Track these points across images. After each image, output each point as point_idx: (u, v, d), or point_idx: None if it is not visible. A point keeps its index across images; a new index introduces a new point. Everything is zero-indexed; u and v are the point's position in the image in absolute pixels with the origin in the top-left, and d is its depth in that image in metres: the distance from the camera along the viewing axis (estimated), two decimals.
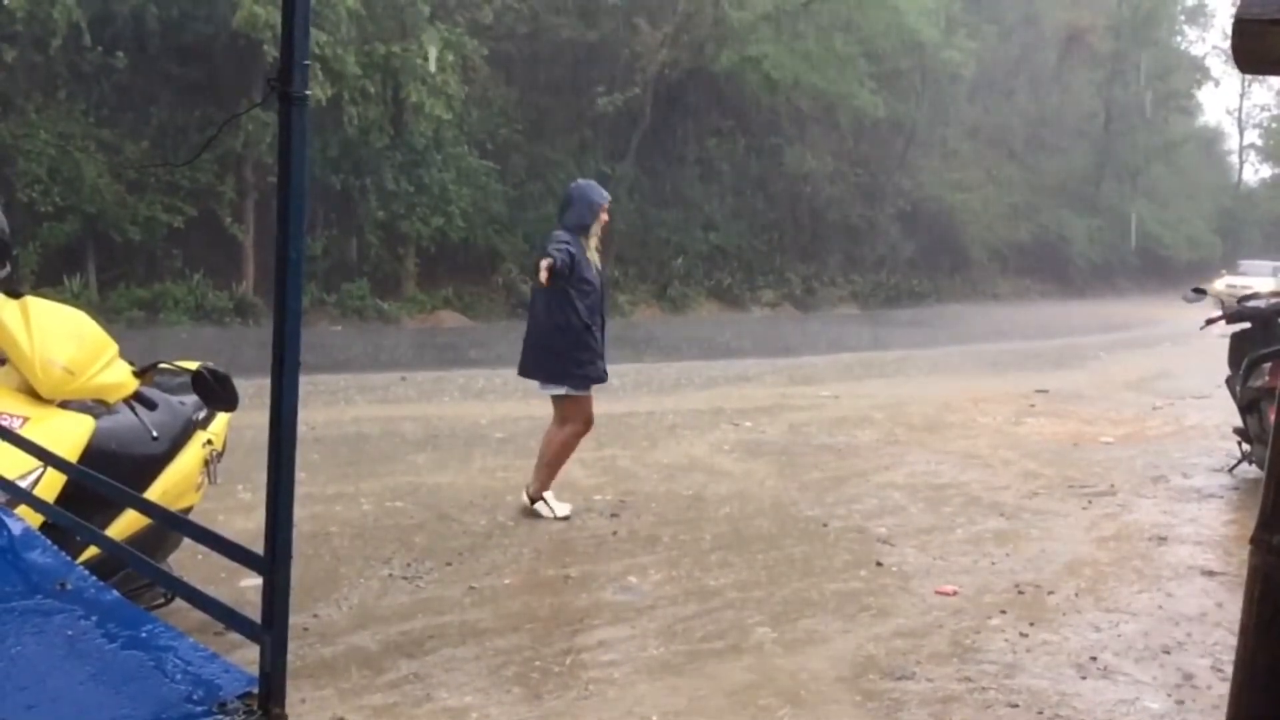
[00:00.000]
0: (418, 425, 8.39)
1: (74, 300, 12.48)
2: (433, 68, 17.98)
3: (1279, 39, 1.17)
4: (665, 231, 23.93)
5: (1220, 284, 28.22)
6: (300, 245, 1.34)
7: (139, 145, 16.78)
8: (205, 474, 3.71)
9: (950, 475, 7.15)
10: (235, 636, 1.53)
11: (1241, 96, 51.77)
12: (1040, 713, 3.45)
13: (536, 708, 3.37)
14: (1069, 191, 38.06)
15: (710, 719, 3.35)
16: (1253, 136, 52.58)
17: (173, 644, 1.46)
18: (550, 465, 5.75)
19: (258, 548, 1.41)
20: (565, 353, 5.64)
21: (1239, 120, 52.23)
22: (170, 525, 2.77)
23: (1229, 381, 7.26)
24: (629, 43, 23.39)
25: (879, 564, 5.04)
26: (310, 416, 7.86)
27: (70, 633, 1.48)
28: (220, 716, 1.31)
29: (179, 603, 2.95)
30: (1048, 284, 35.54)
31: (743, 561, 5.01)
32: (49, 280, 14.60)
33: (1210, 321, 7.69)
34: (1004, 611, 4.40)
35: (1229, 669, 1.30)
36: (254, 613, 1.41)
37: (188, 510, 3.60)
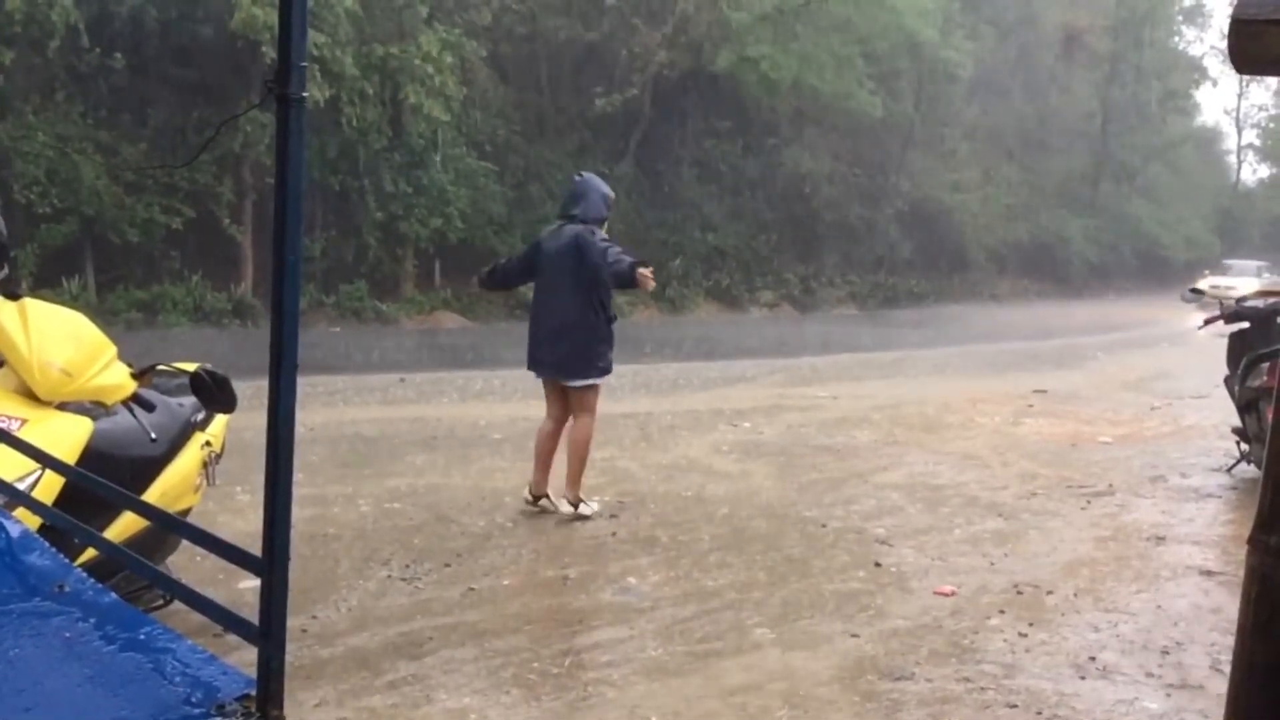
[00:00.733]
0: (416, 426, 8.38)
1: (72, 302, 12.49)
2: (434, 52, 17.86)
3: (1275, 39, 1.17)
4: (664, 232, 23.93)
5: (1204, 284, 28.04)
6: (298, 247, 1.34)
7: (137, 147, 16.78)
8: (203, 476, 3.71)
9: (949, 476, 7.15)
10: (234, 638, 1.54)
11: (1239, 96, 51.94)
12: (1039, 713, 3.45)
13: (535, 709, 3.37)
14: (1067, 192, 38.07)
15: None
16: (1251, 136, 52.64)
17: (171, 646, 1.47)
18: (582, 463, 5.77)
19: (256, 549, 1.41)
20: (596, 345, 5.69)
21: (1237, 120, 52.28)
22: (168, 527, 2.77)
23: (1227, 381, 7.27)
24: (627, 44, 23.40)
25: (877, 564, 5.04)
26: (308, 418, 7.86)
27: (68, 635, 1.48)
28: (218, 718, 1.31)
29: (177, 604, 2.94)
30: (1046, 284, 35.55)
31: (741, 562, 5.01)
32: (47, 282, 14.58)
33: (1208, 321, 7.70)
34: (1002, 612, 4.40)
35: (1227, 668, 1.30)
36: (252, 614, 1.41)
37: (186, 512, 3.60)
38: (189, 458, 3.57)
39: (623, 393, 9.86)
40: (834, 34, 25.51)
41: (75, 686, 1.36)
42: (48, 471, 2.66)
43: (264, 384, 1.34)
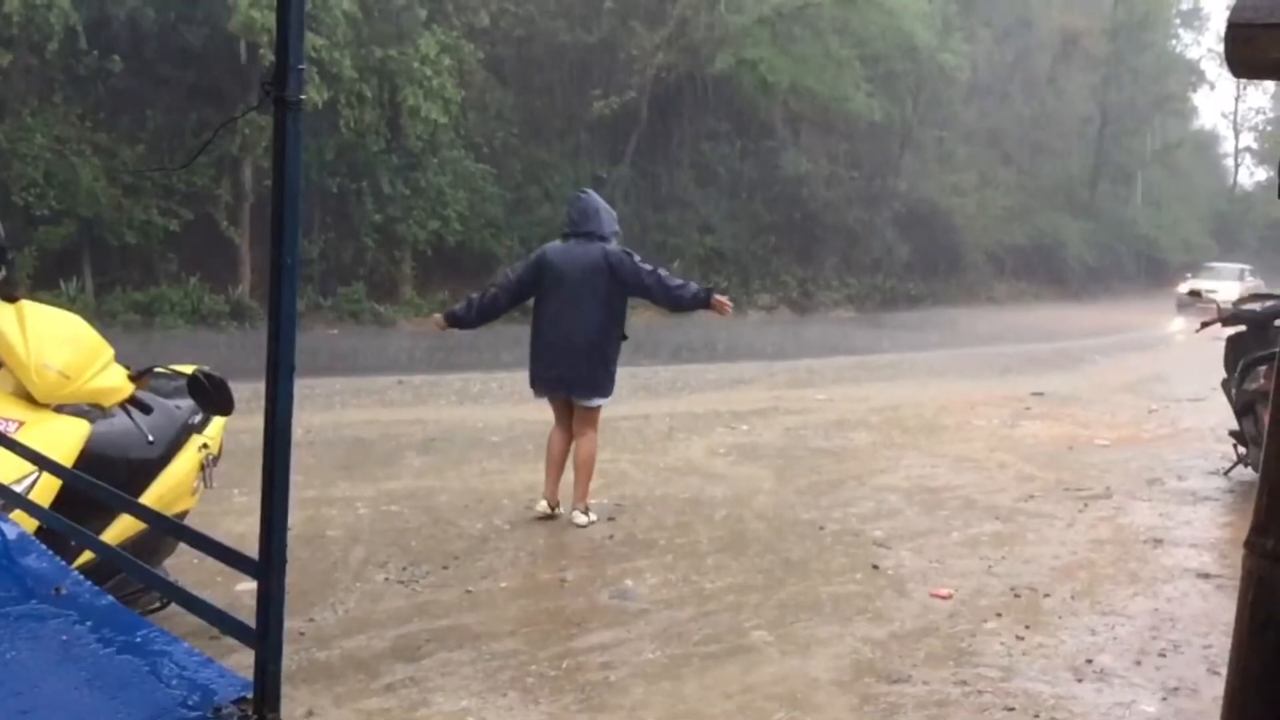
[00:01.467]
0: (414, 429, 8.38)
1: (70, 304, 12.50)
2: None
3: (1271, 43, 1.18)
4: (661, 234, 23.92)
5: (1184, 287, 27.86)
6: (296, 249, 1.34)
7: (135, 149, 16.76)
8: (201, 478, 3.71)
9: (946, 478, 7.15)
10: (231, 641, 1.53)
11: (1236, 100, 51.96)
12: (1036, 716, 3.45)
13: (533, 711, 3.37)
14: (1064, 194, 38.12)
15: None
16: (1248, 140, 52.77)
17: (168, 649, 1.47)
18: (590, 476, 5.75)
19: (253, 552, 1.40)
20: (611, 364, 5.70)
21: (1234, 123, 52.41)
22: (165, 530, 2.77)
23: (1224, 384, 7.27)
24: (625, 46, 23.40)
25: (875, 567, 5.04)
26: (306, 420, 7.86)
27: (65, 638, 1.48)
28: None
29: (174, 607, 2.93)
30: (1043, 286, 35.56)
31: (739, 565, 5.01)
32: (45, 284, 14.56)
33: (1206, 324, 7.70)
34: (1000, 614, 4.40)
35: (1224, 671, 1.30)
36: (249, 617, 1.41)
37: (183, 514, 3.59)
38: (186, 460, 3.56)
39: (621, 395, 9.78)
40: (831, 37, 25.55)
41: (72, 689, 1.36)
42: (45, 474, 2.65)
43: (261, 386, 1.34)
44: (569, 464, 5.78)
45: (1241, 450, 7.06)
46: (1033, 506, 6.39)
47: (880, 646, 4.00)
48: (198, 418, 3.65)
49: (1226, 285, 23.63)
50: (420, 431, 8.27)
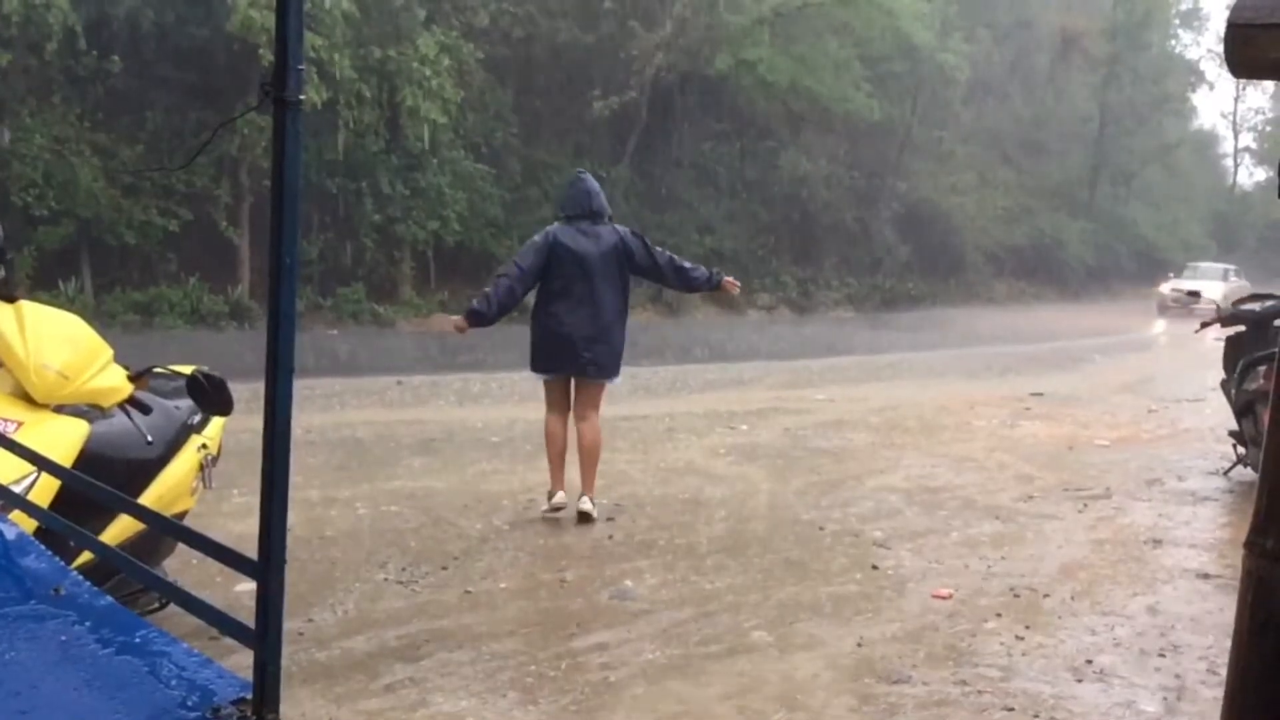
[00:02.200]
0: (413, 429, 8.38)
1: (69, 304, 12.49)
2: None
3: (1271, 44, 1.18)
4: (661, 234, 23.83)
5: (1165, 288, 27.80)
6: (295, 249, 1.34)
7: (134, 149, 16.77)
8: (200, 478, 3.71)
9: (945, 478, 7.15)
10: (230, 642, 1.53)
11: (1236, 100, 52.00)
12: (1036, 716, 3.45)
13: (532, 712, 3.37)
14: (1064, 195, 38.10)
15: None
16: (1247, 140, 52.80)
17: (167, 649, 1.46)
18: (597, 462, 5.82)
19: (252, 552, 1.40)
20: (622, 341, 5.80)
21: (1233, 124, 52.43)
22: (164, 530, 2.77)
23: (1224, 384, 7.28)
24: (625, 46, 23.40)
25: (874, 567, 5.04)
26: (306, 420, 7.86)
27: (64, 638, 1.47)
28: None
29: (173, 608, 2.94)
30: (1042, 287, 35.56)
31: (739, 565, 5.01)
32: (44, 285, 14.57)
33: (1205, 325, 7.71)
34: (999, 615, 4.40)
35: (1223, 672, 1.30)
36: (248, 617, 1.40)
37: (182, 515, 3.59)
38: (185, 460, 3.56)
39: (620, 395, 9.82)
40: (831, 37, 25.56)
41: (71, 690, 1.36)
42: (44, 474, 2.65)
43: (261, 386, 1.34)
44: (573, 456, 5.80)
45: (1241, 450, 7.06)
46: (1032, 507, 6.39)
47: (880, 646, 4.00)
48: (197, 418, 3.65)
49: (1210, 285, 23.61)
50: (420, 432, 8.27)
